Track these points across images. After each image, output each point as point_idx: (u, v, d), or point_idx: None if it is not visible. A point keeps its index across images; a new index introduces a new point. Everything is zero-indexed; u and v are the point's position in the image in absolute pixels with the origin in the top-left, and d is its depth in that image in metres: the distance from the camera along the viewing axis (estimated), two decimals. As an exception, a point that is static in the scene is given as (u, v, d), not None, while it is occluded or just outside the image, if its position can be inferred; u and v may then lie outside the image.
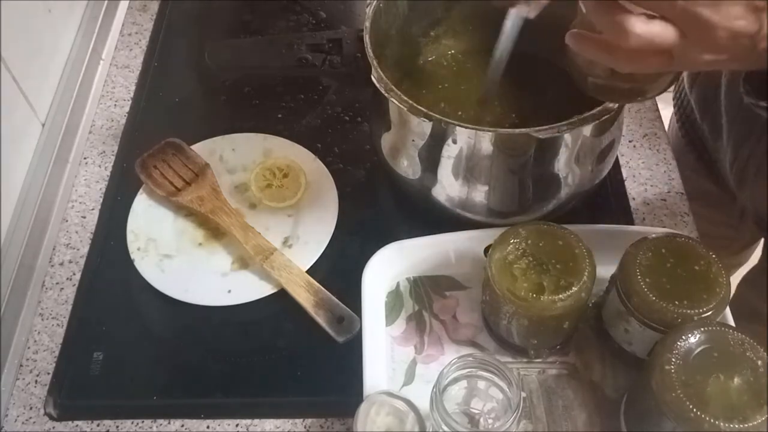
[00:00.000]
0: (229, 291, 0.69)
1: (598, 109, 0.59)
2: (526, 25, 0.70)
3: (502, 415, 0.55)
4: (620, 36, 0.43)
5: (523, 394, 0.54)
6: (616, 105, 0.59)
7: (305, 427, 0.63)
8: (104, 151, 0.83)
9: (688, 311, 0.53)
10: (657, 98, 0.87)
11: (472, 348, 0.64)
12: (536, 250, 0.58)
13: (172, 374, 0.69)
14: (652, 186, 0.78)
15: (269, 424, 0.64)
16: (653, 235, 0.58)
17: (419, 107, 0.60)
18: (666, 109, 0.91)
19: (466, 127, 0.60)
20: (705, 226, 0.82)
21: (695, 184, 0.87)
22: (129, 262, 0.71)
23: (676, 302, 0.54)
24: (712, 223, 0.91)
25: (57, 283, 0.73)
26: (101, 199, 0.78)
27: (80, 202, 0.79)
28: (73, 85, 0.85)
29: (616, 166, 0.79)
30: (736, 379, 0.49)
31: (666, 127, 0.86)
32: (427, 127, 0.63)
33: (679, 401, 0.48)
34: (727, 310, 0.60)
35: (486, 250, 0.61)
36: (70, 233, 0.76)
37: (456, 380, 0.56)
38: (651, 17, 0.42)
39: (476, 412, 0.57)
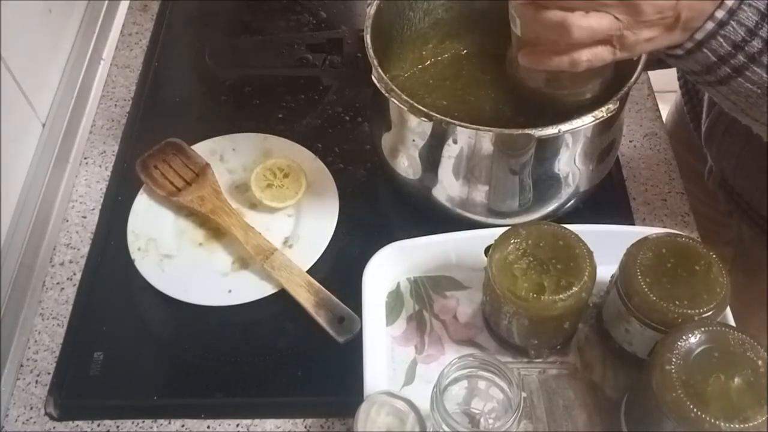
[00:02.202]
0: (230, 291, 0.69)
1: (599, 109, 0.59)
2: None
3: (503, 414, 0.55)
4: (564, 32, 0.49)
5: (524, 394, 0.53)
6: (617, 105, 0.59)
7: (306, 427, 0.63)
8: (105, 151, 0.83)
9: (689, 311, 0.53)
10: (657, 98, 0.87)
11: (472, 348, 0.64)
12: (537, 250, 0.58)
13: (172, 374, 0.69)
14: (652, 186, 0.78)
15: (270, 424, 0.64)
16: (654, 235, 0.58)
17: (420, 107, 0.60)
18: (666, 109, 0.91)
19: (467, 127, 0.60)
20: (702, 210, 0.82)
21: (692, 165, 0.87)
22: (129, 262, 0.71)
23: (677, 302, 0.54)
24: (708, 208, 0.91)
25: (57, 283, 0.73)
26: (102, 199, 0.79)
27: (81, 202, 0.79)
28: (74, 85, 0.85)
29: (617, 166, 0.79)
30: (736, 379, 0.48)
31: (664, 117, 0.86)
32: (427, 127, 0.63)
33: (680, 401, 0.48)
34: (728, 309, 0.60)
35: (486, 250, 0.61)
36: (70, 233, 0.76)
37: (456, 380, 0.56)
38: (587, 12, 0.49)
39: (477, 412, 0.57)
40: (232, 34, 0.97)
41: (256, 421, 0.64)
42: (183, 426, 0.64)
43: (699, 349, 0.50)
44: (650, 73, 0.81)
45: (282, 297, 0.69)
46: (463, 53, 0.80)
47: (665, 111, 0.87)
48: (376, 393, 0.56)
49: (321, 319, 0.67)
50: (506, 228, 0.60)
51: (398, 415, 0.55)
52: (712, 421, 0.47)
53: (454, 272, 0.69)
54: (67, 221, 0.77)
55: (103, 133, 0.85)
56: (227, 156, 0.79)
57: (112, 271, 0.73)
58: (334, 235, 0.72)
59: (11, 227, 0.72)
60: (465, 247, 0.67)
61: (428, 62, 0.80)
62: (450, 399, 0.55)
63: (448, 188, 0.67)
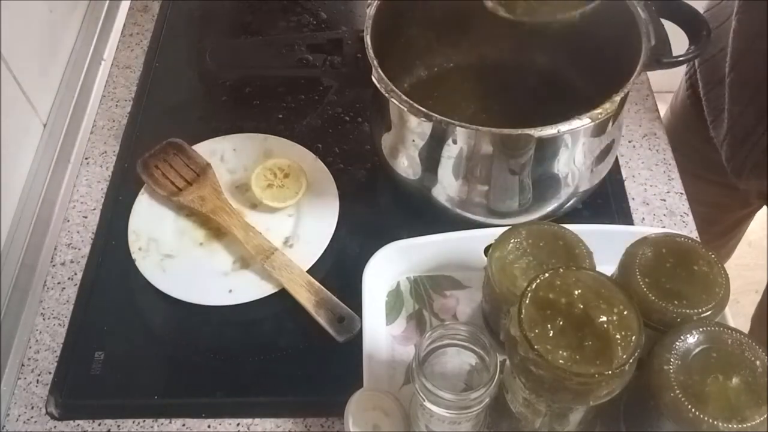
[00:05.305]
0: (230, 291, 0.69)
1: (598, 109, 0.59)
2: (524, 34, 0.71)
3: (482, 381, 0.54)
4: None
5: (501, 358, 0.53)
6: (616, 105, 0.60)
7: (306, 427, 0.64)
8: (105, 151, 0.83)
9: (688, 311, 0.53)
10: (656, 99, 0.87)
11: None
12: (536, 249, 0.58)
13: (173, 374, 0.69)
14: (651, 186, 0.78)
15: (270, 423, 0.64)
16: (653, 235, 0.58)
17: (419, 107, 0.60)
18: (665, 109, 0.92)
19: (467, 128, 0.60)
20: (699, 193, 0.83)
21: (693, 143, 0.88)
22: (130, 262, 0.71)
23: (676, 302, 0.54)
24: (708, 186, 0.92)
25: (58, 283, 0.73)
26: (102, 199, 0.79)
27: (82, 202, 0.79)
28: (75, 86, 0.85)
29: (616, 166, 0.79)
30: (734, 380, 0.48)
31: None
32: (427, 127, 0.63)
33: (678, 401, 0.48)
34: (727, 310, 0.60)
35: (486, 249, 0.61)
36: (71, 233, 0.76)
37: (434, 351, 0.55)
38: None
39: (456, 381, 0.56)
40: (233, 34, 0.97)
41: (257, 420, 0.64)
42: (184, 425, 0.64)
43: (697, 350, 0.50)
44: (649, 73, 0.81)
45: (282, 297, 0.69)
46: (463, 54, 0.81)
47: (664, 112, 0.87)
48: (362, 390, 0.57)
49: (321, 319, 0.67)
50: (506, 228, 0.60)
51: (383, 409, 0.56)
52: (710, 421, 0.47)
53: (454, 272, 0.69)
54: (68, 221, 0.77)
55: (104, 133, 0.85)
56: (228, 156, 0.79)
57: (113, 270, 0.73)
58: (334, 235, 0.72)
59: (12, 227, 0.72)
60: (465, 246, 0.67)
61: (428, 63, 0.80)
62: (429, 370, 0.55)
63: (447, 188, 0.67)
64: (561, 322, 0.47)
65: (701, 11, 0.82)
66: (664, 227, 0.75)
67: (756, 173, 0.80)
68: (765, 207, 0.94)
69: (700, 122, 0.87)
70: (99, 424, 0.64)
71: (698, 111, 0.87)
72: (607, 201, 0.77)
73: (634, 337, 0.47)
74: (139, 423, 0.64)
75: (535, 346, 0.46)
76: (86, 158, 0.83)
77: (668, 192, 0.78)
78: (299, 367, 0.66)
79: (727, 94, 0.79)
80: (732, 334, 0.50)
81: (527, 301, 0.48)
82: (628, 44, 0.64)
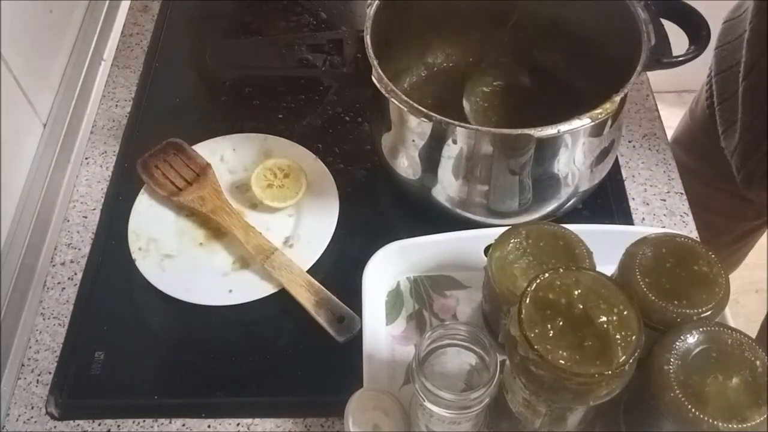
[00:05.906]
0: (230, 291, 0.69)
1: (598, 109, 0.59)
2: (524, 34, 0.71)
3: (482, 381, 0.54)
4: None
5: (501, 358, 0.52)
6: (616, 105, 0.60)
7: (306, 427, 0.64)
8: (105, 151, 0.83)
9: (688, 311, 0.53)
10: (656, 99, 0.87)
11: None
12: (536, 249, 0.58)
13: (173, 374, 0.69)
14: (651, 186, 0.78)
15: (270, 423, 0.64)
16: (653, 235, 0.58)
17: (419, 107, 0.60)
18: (665, 109, 0.92)
19: (466, 128, 0.60)
20: (712, 201, 0.82)
21: (709, 151, 0.87)
22: (130, 262, 0.71)
23: (676, 302, 0.54)
24: (722, 195, 0.92)
25: (58, 283, 0.73)
26: (102, 199, 0.79)
27: (81, 202, 0.79)
28: (75, 86, 0.85)
29: (616, 166, 0.79)
30: (734, 380, 0.48)
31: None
32: (427, 127, 0.63)
33: (678, 401, 0.48)
34: (727, 310, 0.60)
35: (486, 249, 0.61)
36: (71, 233, 0.76)
37: (434, 351, 0.55)
38: None
39: (456, 381, 0.56)
40: (233, 34, 0.97)
41: (257, 420, 0.64)
42: (183, 425, 0.64)
43: (697, 350, 0.50)
44: (649, 73, 0.81)
45: (282, 297, 0.69)
46: (462, 54, 0.81)
47: (664, 111, 0.87)
48: (362, 389, 0.57)
49: (321, 319, 0.67)
50: (506, 228, 0.60)
51: (383, 409, 0.56)
52: (710, 421, 0.47)
53: (454, 272, 0.69)
54: (68, 221, 0.77)
55: (104, 133, 0.85)
56: (227, 156, 0.79)
57: (113, 270, 0.73)
58: (334, 234, 0.72)
59: (12, 227, 0.72)
60: (465, 246, 0.67)
61: (428, 63, 0.80)
62: (428, 370, 0.54)
63: (447, 188, 0.67)
64: (561, 322, 0.47)
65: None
66: (664, 227, 0.75)
67: (765, 183, 0.80)
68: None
69: (717, 131, 0.86)
70: (99, 424, 0.64)
71: (716, 120, 0.87)
72: (607, 201, 0.77)
73: (634, 337, 0.47)
74: (139, 423, 0.64)
75: (535, 346, 0.46)
76: (86, 158, 0.83)
77: (668, 192, 0.78)
78: (299, 367, 0.67)
79: (740, 103, 0.78)
80: (732, 334, 0.50)
81: (527, 301, 0.48)
82: (628, 44, 0.64)
